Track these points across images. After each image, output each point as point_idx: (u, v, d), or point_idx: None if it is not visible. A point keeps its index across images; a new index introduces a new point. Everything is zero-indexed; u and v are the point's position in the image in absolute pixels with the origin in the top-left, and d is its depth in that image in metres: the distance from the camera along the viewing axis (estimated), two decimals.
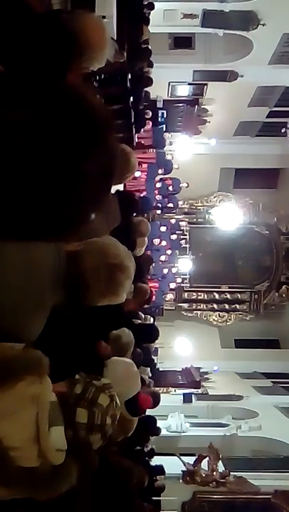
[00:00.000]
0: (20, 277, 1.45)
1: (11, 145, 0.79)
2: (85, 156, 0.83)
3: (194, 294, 19.30)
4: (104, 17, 5.36)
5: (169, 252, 17.12)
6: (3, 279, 1.41)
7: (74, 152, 0.82)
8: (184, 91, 16.26)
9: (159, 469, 8.31)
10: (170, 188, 16.57)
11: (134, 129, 10.31)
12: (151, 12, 10.42)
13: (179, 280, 18.36)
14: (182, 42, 14.89)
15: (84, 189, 0.85)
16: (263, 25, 12.71)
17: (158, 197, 15.91)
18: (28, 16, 2.16)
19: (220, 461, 10.66)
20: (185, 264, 18.30)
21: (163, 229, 16.62)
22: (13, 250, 1.38)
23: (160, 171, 15.99)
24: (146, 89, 11.20)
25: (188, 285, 19.03)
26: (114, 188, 4.83)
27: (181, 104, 16.67)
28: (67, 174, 0.82)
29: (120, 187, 9.69)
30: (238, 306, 19.40)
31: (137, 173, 14.58)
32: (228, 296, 19.33)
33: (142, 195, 13.90)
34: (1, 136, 0.79)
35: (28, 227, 0.88)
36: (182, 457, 10.50)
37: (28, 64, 1.86)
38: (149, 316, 7.02)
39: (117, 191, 4.29)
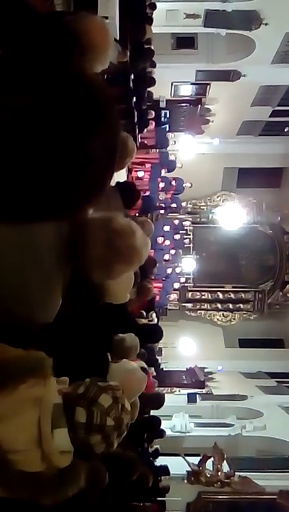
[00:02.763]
0: (19, 256, 1.43)
1: (13, 129, 0.79)
2: (89, 134, 0.82)
3: (198, 293, 19.28)
4: (106, 17, 5.36)
5: (172, 251, 17.11)
6: (1, 260, 1.39)
7: (78, 131, 0.81)
8: (186, 91, 16.25)
9: (164, 470, 8.32)
10: (173, 183, 16.55)
11: (137, 129, 10.32)
12: (154, 12, 10.41)
13: (182, 280, 18.34)
14: (185, 42, 14.88)
15: (89, 168, 0.84)
16: (266, 24, 12.69)
17: (161, 196, 15.90)
18: (31, 17, 2.16)
19: (225, 461, 10.64)
20: (189, 264, 18.28)
21: (166, 229, 16.62)
22: (9, 230, 1.37)
23: (163, 171, 15.99)
24: (149, 89, 11.20)
25: (192, 285, 19.01)
26: (114, 176, 4.83)
27: (184, 104, 16.67)
28: (72, 154, 0.81)
29: (121, 175, 9.67)
30: (242, 305, 19.36)
31: (140, 173, 14.61)
32: (232, 295, 19.30)
33: (145, 194, 13.91)
34: (2, 120, 0.79)
35: (34, 209, 0.87)
36: (187, 457, 10.50)
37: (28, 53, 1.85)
38: (151, 312, 6.99)
39: (117, 183, 4.29)
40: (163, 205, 16.42)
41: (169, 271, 16.83)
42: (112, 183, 4.24)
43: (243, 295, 19.33)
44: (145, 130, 12.54)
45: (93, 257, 1.65)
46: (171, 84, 15.59)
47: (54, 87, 0.82)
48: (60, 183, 0.83)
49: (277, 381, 17.07)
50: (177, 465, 9.83)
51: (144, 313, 6.27)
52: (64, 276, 1.63)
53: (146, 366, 4.46)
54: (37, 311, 1.53)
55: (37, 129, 0.79)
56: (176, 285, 17.92)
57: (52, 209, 0.88)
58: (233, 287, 19.22)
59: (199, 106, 16.54)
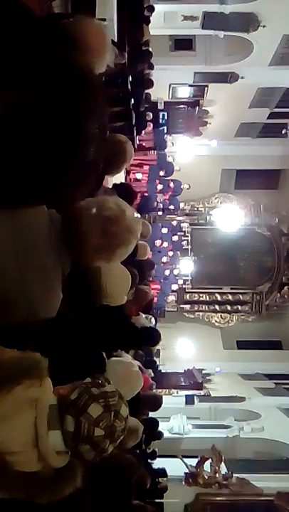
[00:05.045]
0: (16, 252, 1.45)
1: (9, 119, 0.80)
2: (82, 115, 0.85)
3: (196, 295, 19.28)
4: (104, 19, 5.36)
5: (170, 253, 17.12)
6: None
7: (71, 112, 0.83)
8: (184, 93, 16.27)
9: (162, 471, 8.32)
10: (171, 184, 16.56)
11: (135, 131, 10.33)
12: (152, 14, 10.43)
13: (180, 281, 18.36)
14: (183, 44, 14.89)
15: (85, 147, 0.87)
16: (263, 26, 12.73)
17: (159, 198, 15.91)
18: (27, 19, 2.16)
19: (222, 463, 10.63)
20: (186, 266, 18.29)
21: (164, 230, 16.63)
22: (3, 229, 1.38)
23: (161, 173, 16.01)
24: (147, 91, 11.22)
25: (190, 286, 19.02)
26: (112, 179, 4.84)
27: (182, 106, 16.69)
28: (68, 135, 0.83)
29: (119, 177, 9.69)
30: (240, 307, 19.38)
31: (139, 175, 14.63)
32: (230, 297, 19.32)
33: (143, 196, 13.93)
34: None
35: (34, 190, 0.89)
36: (185, 459, 10.48)
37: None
38: (150, 316, 7.01)
39: (114, 184, 4.29)
40: (161, 206, 16.44)
41: (167, 273, 16.85)
42: (109, 185, 4.25)
43: (241, 297, 19.35)
44: (143, 132, 12.56)
45: (93, 247, 1.68)
46: (169, 86, 15.61)
47: (46, 73, 0.83)
48: (59, 164, 0.85)
49: (275, 383, 17.07)
50: (175, 467, 9.83)
51: (143, 315, 6.28)
52: (63, 269, 1.65)
53: (142, 366, 4.49)
54: (39, 306, 1.55)
55: (32, 114, 0.81)
56: (174, 287, 17.94)
57: (52, 189, 0.89)
58: (231, 289, 19.24)
59: (197, 108, 16.56)
